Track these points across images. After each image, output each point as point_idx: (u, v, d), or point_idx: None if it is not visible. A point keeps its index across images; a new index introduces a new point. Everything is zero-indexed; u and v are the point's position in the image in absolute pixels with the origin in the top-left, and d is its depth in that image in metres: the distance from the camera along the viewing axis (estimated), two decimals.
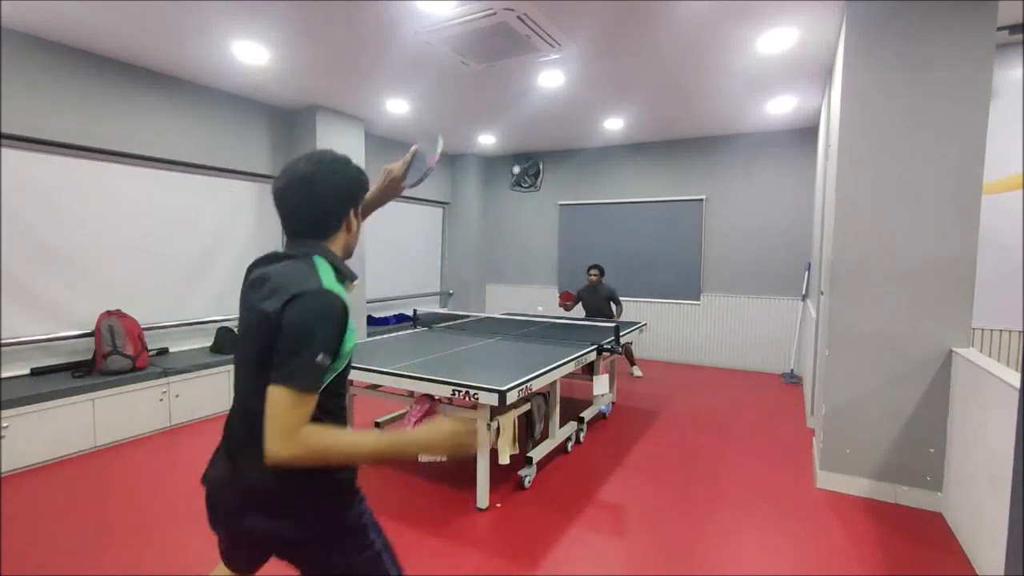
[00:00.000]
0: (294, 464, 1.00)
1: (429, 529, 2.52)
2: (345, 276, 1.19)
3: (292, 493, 1.11)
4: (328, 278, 1.12)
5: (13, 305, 3.41)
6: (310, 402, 1.04)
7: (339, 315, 1.09)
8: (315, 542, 1.14)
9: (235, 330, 4.46)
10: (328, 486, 1.15)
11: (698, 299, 6.27)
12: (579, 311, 6.00)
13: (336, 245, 1.22)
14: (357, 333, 2.85)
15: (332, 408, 1.15)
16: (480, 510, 2.70)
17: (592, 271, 5.44)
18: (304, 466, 1.02)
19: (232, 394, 1.22)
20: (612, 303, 5.44)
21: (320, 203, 1.17)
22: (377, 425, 3.59)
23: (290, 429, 1.00)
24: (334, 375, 1.13)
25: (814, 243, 4.79)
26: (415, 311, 4.52)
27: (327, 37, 3.41)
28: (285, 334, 1.04)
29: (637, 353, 6.65)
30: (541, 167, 7.23)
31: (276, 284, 1.10)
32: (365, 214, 1.40)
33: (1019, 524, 0.87)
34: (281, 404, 1.00)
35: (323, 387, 1.09)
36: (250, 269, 1.22)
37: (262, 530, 1.13)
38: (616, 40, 3.41)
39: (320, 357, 1.04)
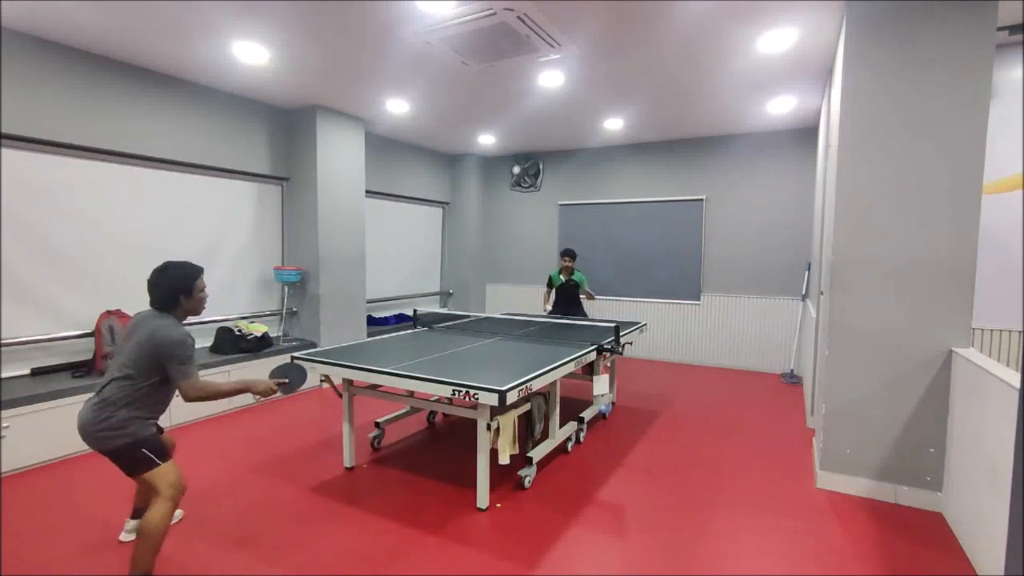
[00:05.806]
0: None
1: (429, 529, 2.52)
2: None
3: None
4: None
5: (13, 305, 3.41)
6: None
7: None
8: None
9: (235, 330, 4.47)
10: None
11: (698, 299, 6.27)
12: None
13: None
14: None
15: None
16: (480, 510, 2.70)
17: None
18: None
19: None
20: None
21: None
22: (377, 426, 3.60)
23: None
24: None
25: (814, 243, 4.79)
26: (415, 311, 4.52)
27: (327, 37, 3.41)
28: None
29: (638, 353, 6.65)
30: (541, 167, 7.23)
31: None
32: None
33: (1019, 524, 0.87)
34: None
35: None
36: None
37: None
38: (616, 40, 3.41)
39: None
